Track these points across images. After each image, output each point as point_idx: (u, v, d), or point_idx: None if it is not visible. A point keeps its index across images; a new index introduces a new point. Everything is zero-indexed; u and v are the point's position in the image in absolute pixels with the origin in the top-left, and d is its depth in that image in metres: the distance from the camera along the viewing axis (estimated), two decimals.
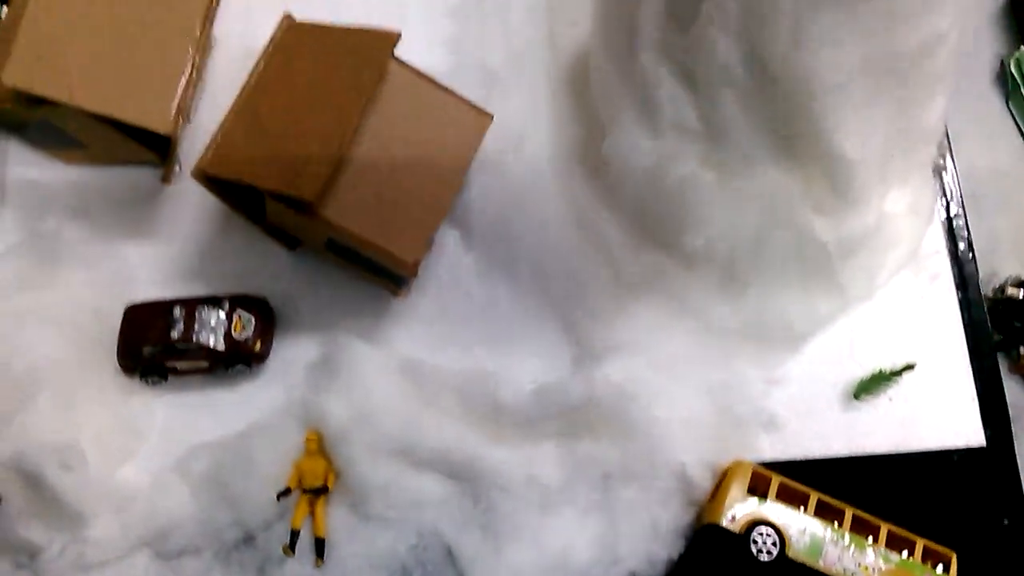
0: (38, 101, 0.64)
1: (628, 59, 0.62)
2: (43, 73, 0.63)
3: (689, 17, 0.56)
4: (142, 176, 0.75)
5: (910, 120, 0.59)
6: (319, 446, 0.66)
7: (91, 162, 0.74)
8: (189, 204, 0.75)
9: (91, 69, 0.64)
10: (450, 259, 0.73)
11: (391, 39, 0.61)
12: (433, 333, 0.71)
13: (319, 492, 0.65)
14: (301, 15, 0.77)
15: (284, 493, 0.65)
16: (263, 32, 0.73)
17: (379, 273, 0.68)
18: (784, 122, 0.56)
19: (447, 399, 0.67)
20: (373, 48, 0.62)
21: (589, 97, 0.70)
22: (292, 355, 0.70)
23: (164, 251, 0.74)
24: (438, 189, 0.65)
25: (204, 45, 0.67)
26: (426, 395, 0.67)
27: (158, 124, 0.64)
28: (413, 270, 0.63)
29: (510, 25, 0.76)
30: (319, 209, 0.60)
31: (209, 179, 0.64)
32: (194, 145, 0.73)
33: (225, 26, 0.74)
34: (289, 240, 0.72)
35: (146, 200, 0.75)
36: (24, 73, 0.62)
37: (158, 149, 0.69)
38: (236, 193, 0.65)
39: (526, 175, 0.72)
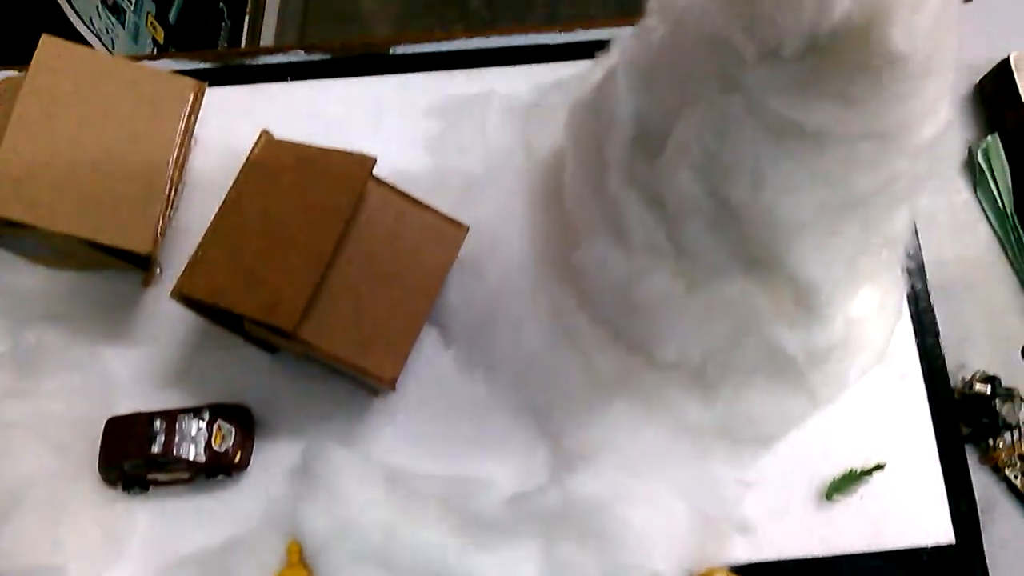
0: (18, 224, 0.65)
1: (599, 179, 0.63)
2: (22, 200, 0.63)
3: (655, 151, 0.57)
4: (123, 279, 0.75)
5: (874, 236, 0.60)
6: (300, 557, 0.67)
7: (72, 268, 0.75)
8: (170, 306, 0.73)
9: (70, 193, 0.64)
10: (430, 356, 0.74)
11: (368, 164, 0.62)
12: (413, 433, 0.72)
13: None
14: (279, 115, 0.79)
15: None
16: (243, 135, 0.75)
17: (358, 379, 0.69)
18: (749, 249, 0.57)
19: (427, 506, 0.68)
20: (350, 173, 0.63)
21: (563, 203, 0.71)
22: (273, 461, 0.71)
23: (145, 355, 0.74)
24: (414, 303, 0.66)
25: (184, 159, 0.67)
26: (406, 502, 0.68)
27: (138, 245, 0.65)
28: (391, 385, 0.64)
29: (487, 128, 0.77)
30: (297, 333, 0.61)
31: (188, 299, 0.65)
32: (175, 244, 0.74)
33: (207, 128, 0.74)
34: (269, 346, 0.73)
35: (127, 304, 0.75)
36: (3, 201, 0.63)
37: (139, 258, 0.69)
38: (215, 310, 0.66)
39: (503, 276, 0.73)
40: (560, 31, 0.85)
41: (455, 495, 0.68)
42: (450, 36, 0.86)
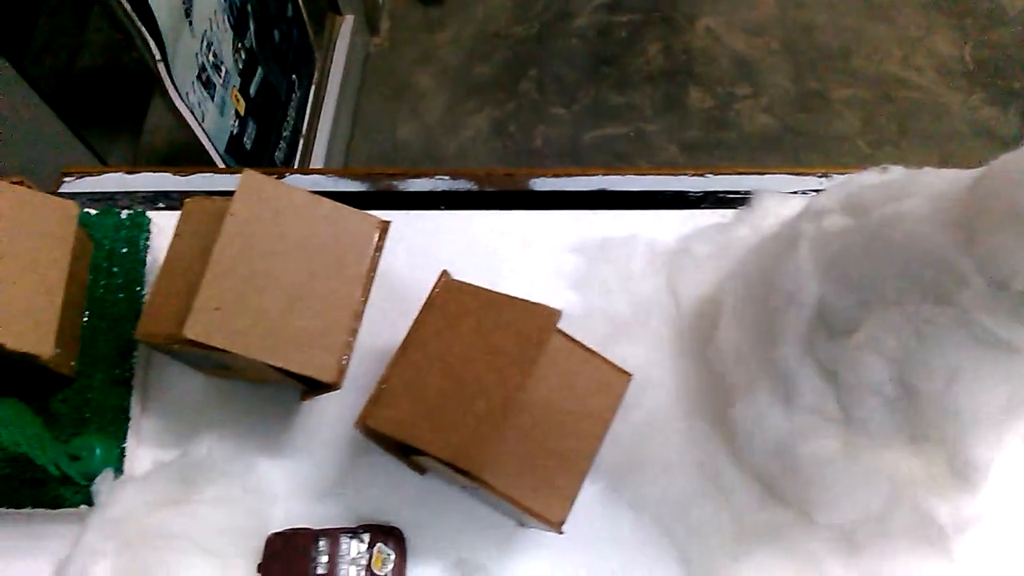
0: (205, 345, 0.68)
1: (766, 342, 0.67)
2: (222, 328, 0.67)
3: (838, 332, 0.61)
4: (281, 391, 0.79)
5: None
6: None
7: (234, 379, 0.78)
8: (323, 422, 0.79)
9: (263, 322, 0.68)
10: None
11: (554, 318, 0.66)
12: (558, 565, 0.75)
13: None
14: (430, 242, 0.83)
15: None
16: (399, 261, 0.79)
17: (507, 509, 0.72)
18: (922, 427, 0.61)
19: None
20: (536, 324, 0.66)
21: (712, 353, 0.75)
22: None
23: (297, 469, 0.77)
24: (581, 449, 0.69)
25: (368, 293, 0.71)
26: None
27: (326, 376, 0.68)
28: (559, 528, 0.67)
29: (631, 272, 0.81)
30: (481, 476, 0.65)
31: (368, 429, 0.68)
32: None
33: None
34: (419, 465, 0.76)
35: (284, 416, 0.79)
36: (203, 327, 0.66)
37: (310, 380, 0.72)
38: (389, 440, 0.69)
39: (650, 418, 0.76)
40: (692, 175, 0.90)
41: None
42: (586, 172, 0.91)
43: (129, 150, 1.92)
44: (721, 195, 0.87)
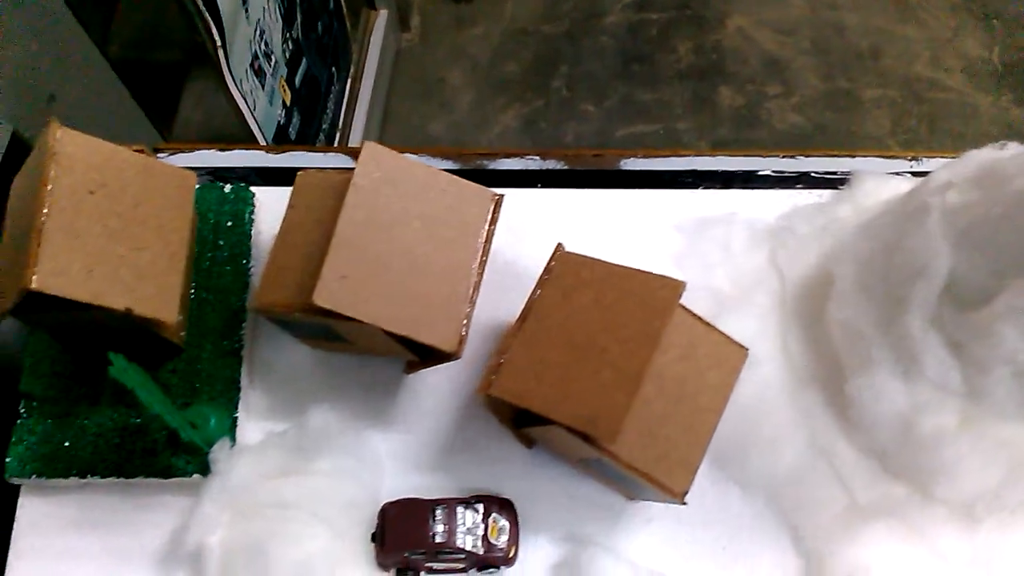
0: (331, 313, 0.68)
1: (887, 316, 0.68)
2: (348, 295, 0.67)
3: (970, 303, 0.62)
4: (386, 364, 0.79)
5: None
6: None
7: (340, 352, 0.78)
8: (428, 395, 0.79)
9: (385, 291, 0.68)
10: None
11: (678, 289, 0.66)
12: (667, 540, 0.75)
13: None
14: (527, 220, 0.84)
15: None
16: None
17: (619, 481, 0.72)
18: None
19: None
20: (660, 296, 0.67)
21: (821, 329, 0.75)
22: (534, 558, 0.74)
23: (405, 440, 0.78)
24: (701, 420, 0.69)
25: (484, 265, 0.71)
26: None
27: (448, 345, 0.68)
28: (681, 499, 0.68)
29: (733, 249, 0.82)
30: (609, 444, 0.65)
31: (491, 398, 0.68)
32: None
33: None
34: (527, 438, 0.76)
35: (390, 388, 0.79)
36: (331, 294, 0.67)
37: (424, 351, 0.73)
38: (507, 410, 0.70)
39: (757, 393, 0.77)
40: (783, 156, 0.91)
41: None
42: (676, 152, 0.92)
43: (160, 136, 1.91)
44: (816, 176, 0.87)
